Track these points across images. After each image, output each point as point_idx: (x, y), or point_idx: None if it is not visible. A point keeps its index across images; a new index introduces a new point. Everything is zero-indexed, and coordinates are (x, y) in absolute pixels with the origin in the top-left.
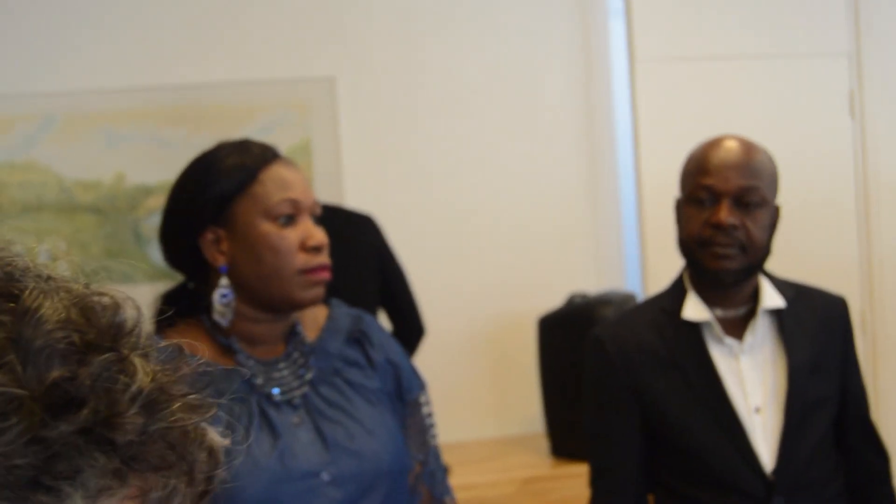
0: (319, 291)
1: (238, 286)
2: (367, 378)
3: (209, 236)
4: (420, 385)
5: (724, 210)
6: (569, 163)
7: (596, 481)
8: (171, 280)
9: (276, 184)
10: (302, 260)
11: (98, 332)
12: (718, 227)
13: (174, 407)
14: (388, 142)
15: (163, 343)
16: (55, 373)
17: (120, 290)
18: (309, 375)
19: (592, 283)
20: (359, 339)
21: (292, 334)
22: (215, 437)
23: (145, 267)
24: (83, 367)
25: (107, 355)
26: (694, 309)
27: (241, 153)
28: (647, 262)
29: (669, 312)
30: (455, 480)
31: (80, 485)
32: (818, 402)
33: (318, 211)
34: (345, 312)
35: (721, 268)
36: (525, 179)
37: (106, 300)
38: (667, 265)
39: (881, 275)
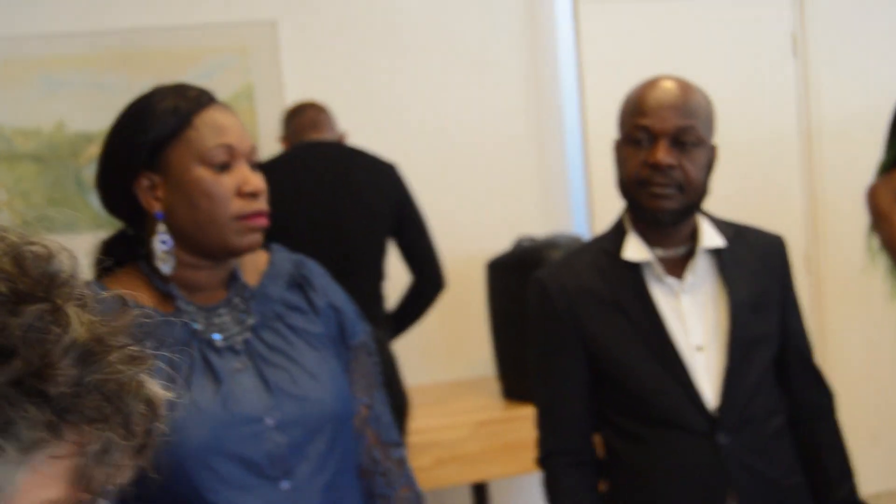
0: (257, 238)
1: (175, 232)
2: (309, 323)
3: (144, 182)
4: (363, 329)
5: (661, 150)
6: (514, 106)
7: (543, 422)
8: (114, 228)
9: (210, 129)
10: (238, 206)
11: (31, 281)
12: (656, 167)
13: (111, 358)
14: (332, 86)
15: (104, 293)
16: None
17: (55, 240)
18: (250, 321)
19: (540, 227)
20: (300, 283)
21: (233, 280)
22: (155, 388)
23: (88, 215)
24: (14, 317)
25: (39, 305)
26: (634, 249)
27: (175, 97)
28: (594, 204)
29: (610, 253)
30: (409, 423)
31: (13, 437)
32: (759, 340)
33: (256, 156)
34: (286, 257)
35: (659, 207)
36: (471, 123)
37: (39, 249)
38: (613, 208)
39: (824, 213)
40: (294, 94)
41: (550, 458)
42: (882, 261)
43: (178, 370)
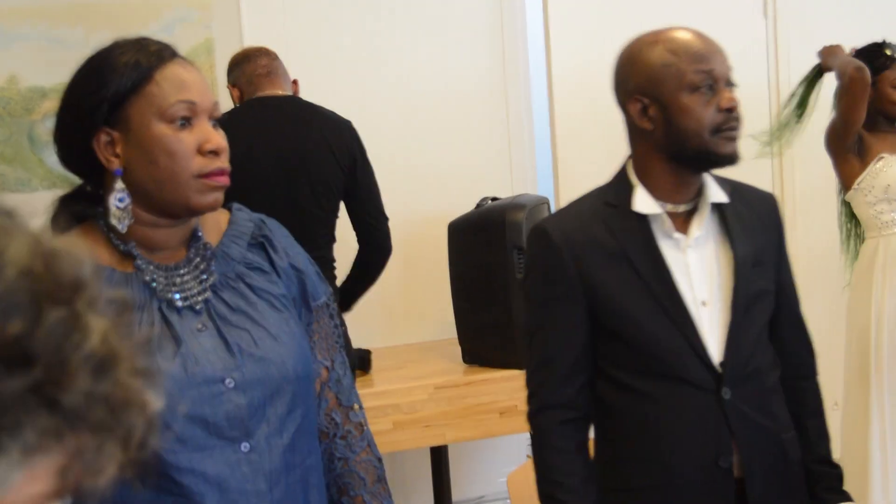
0: (217, 196)
1: (134, 190)
2: (271, 283)
3: (103, 138)
4: (325, 291)
5: (730, 92)
6: (480, 66)
7: (536, 375)
8: (69, 185)
9: (172, 84)
10: (199, 164)
11: (57, 285)
12: (731, 110)
13: (120, 370)
14: (292, 42)
15: (111, 296)
16: (13, 326)
17: (75, 240)
18: (211, 280)
19: (504, 188)
20: (262, 243)
21: (193, 239)
22: (155, 402)
23: (42, 172)
24: (40, 321)
25: (63, 312)
26: (644, 202)
27: (136, 51)
28: (559, 165)
29: (616, 205)
30: (368, 387)
31: (20, 439)
32: (760, 295)
33: (218, 113)
34: (247, 217)
35: (735, 151)
36: (435, 82)
37: (68, 251)
38: (578, 168)
39: (792, 171)
40: None
41: (542, 413)
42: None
43: (138, 331)
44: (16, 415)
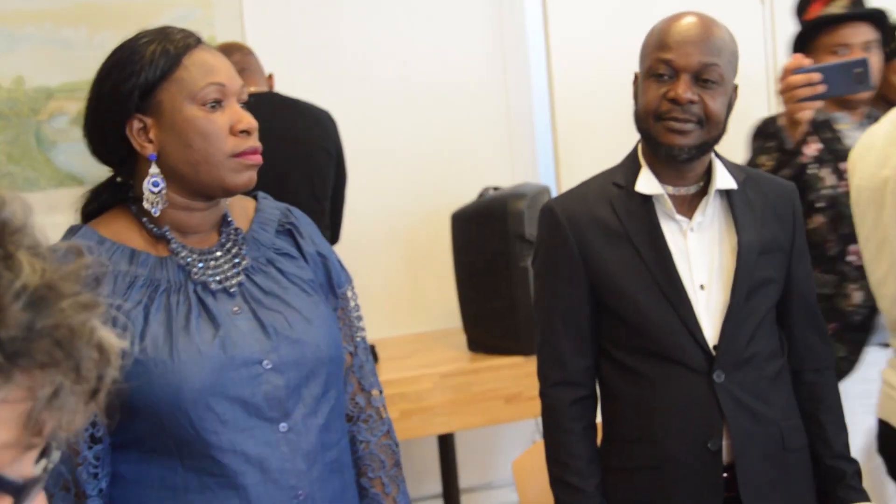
0: (252, 175)
1: (168, 174)
2: (299, 268)
3: (135, 125)
4: (347, 278)
5: (682, 85)
6: (480, 56)
7: (545, 352)
8: (76, 184)
9: (200, 68)
10: (232, 144)
11: None
12: (676, 101)
13: (62, 304)
14: (294, 39)
15: (59, 243)
16: None
17: (8, 189)
18: (244, 264)
19: (506, 178)
20: (289, 230)
21: (224, 223)
22: (108, 336)
23: (49, 171)
24: None
25: None
26: (647, 183)
27: (163, 39)
28: (560, 155)
29: (622, 186)
30: None
31: None
32: (763, 283)
33: (245, 96)
34: (273, 205)
35: (675, 143)
36: (436, 75)
37: None
38: (580, 157)
39: None
40: (257, 47)
41: (551, 390)
42: None
43: (176, 312)
44: None
